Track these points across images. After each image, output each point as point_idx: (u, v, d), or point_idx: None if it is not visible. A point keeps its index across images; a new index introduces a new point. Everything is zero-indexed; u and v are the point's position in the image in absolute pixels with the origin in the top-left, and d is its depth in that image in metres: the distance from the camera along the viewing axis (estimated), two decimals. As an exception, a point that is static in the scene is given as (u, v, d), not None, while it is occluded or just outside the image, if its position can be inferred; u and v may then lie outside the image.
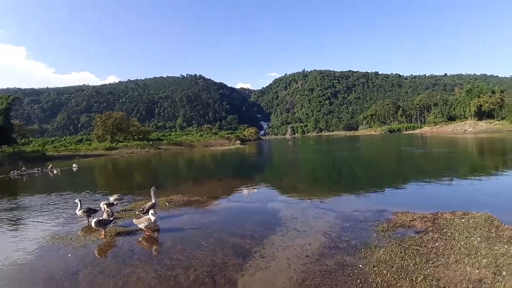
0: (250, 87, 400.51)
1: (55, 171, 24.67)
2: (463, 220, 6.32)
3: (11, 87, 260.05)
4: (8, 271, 5.39)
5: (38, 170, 25.09)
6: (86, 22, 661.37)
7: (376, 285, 4.13)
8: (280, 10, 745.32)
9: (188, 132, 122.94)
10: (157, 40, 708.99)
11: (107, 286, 4.61)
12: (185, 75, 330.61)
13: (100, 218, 7.18)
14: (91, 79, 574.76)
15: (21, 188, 17.47)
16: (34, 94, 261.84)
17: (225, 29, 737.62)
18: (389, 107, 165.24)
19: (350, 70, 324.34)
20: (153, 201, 8.18)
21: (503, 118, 77.03)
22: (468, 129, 69.58)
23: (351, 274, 4.48)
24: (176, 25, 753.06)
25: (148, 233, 7.04)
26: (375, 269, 4.57)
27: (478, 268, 4.31)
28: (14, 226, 8.53)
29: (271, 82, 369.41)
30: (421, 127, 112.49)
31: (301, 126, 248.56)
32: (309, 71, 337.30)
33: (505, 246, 4.85)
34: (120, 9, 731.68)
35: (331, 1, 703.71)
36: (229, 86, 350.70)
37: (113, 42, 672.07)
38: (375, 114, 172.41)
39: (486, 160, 20.16)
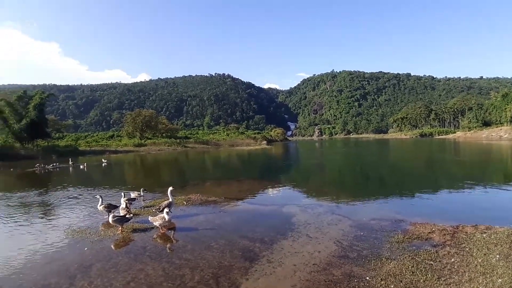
0: (278, 87, 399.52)
1: (81, 166, 25.65)
2: (484, 235, 5.92)
3: (47, 83, 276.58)
4: (27, 261, 5.71)
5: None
6: (118, 20, 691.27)
7: (381, 300, 3.98)
8: (310, 10, 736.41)
9: (215, 131, 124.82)
10: (187, 40, 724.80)
11: (116, 281, 4.77)
12: (214, 74, 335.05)
13: (118, 216, 7.47)
14: (123, 76, 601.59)
15: (49, 182, 18.37)
16: (69, 91, 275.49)
17: (254, 29, 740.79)
18: (421, 110, 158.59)
19: (381, 71, 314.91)
20: (170, 200, 8.38)
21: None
22: (504, 135, 65.24)
23: (356, 287, 4.35)
24: (206, 25, 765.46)
25: (163, 231, 7.23)
26: (382, 282, 4.40)
27: (492, 288, 4.02)
28: (39, 219, 8.99)
29: (299, 82, 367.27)
30: (454, 132, 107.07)
31: (328, 128, 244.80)
32: (338, 71, 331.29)
33: (525, 267, 4.49)
34: (150, 8, 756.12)
35: (362, 1, 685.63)
36: (257, 86, 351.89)
37: (145, 40, 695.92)
38: (406, 117, 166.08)
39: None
